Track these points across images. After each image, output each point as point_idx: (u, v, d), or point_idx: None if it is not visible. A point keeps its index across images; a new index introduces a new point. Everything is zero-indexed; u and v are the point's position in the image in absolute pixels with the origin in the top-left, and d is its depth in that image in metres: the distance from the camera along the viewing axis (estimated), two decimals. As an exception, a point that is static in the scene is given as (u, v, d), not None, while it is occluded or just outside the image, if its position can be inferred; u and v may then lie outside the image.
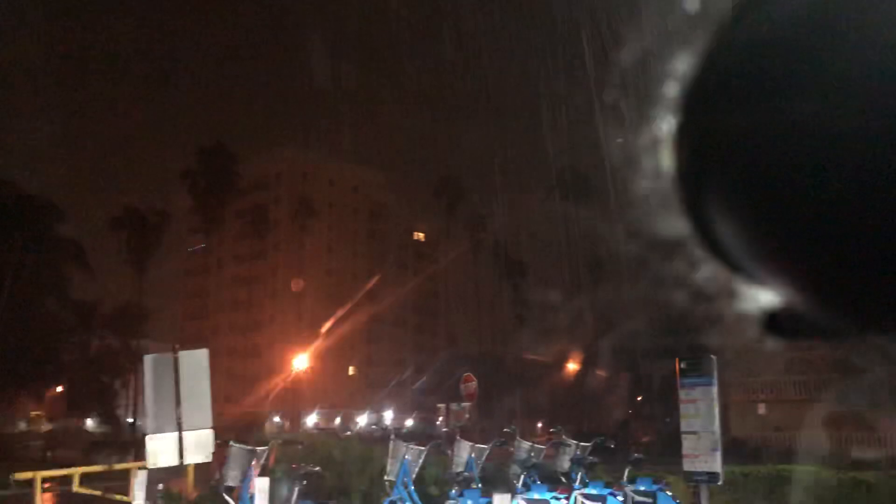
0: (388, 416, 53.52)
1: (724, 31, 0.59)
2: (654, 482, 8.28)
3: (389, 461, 8.00)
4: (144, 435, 7.67)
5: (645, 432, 30.66)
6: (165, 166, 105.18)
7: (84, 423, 42.31)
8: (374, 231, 69.60)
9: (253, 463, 7.31)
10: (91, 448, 28.49)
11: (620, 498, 7.94)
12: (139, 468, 8.18)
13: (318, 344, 43.78)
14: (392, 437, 8.35)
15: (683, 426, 7.91)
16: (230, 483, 7.33)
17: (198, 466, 8.52)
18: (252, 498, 7.16)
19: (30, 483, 8.78)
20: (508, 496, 7.33)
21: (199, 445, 7.32)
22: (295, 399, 49.14)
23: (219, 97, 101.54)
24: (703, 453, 7.71)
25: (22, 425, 42.96)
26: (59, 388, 39.92)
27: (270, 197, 63.58)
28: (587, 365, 42.73)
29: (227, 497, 7.25)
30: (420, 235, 72.73)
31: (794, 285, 0.61)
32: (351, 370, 62.97)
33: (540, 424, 38.14)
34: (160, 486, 9.22)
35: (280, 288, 61.23)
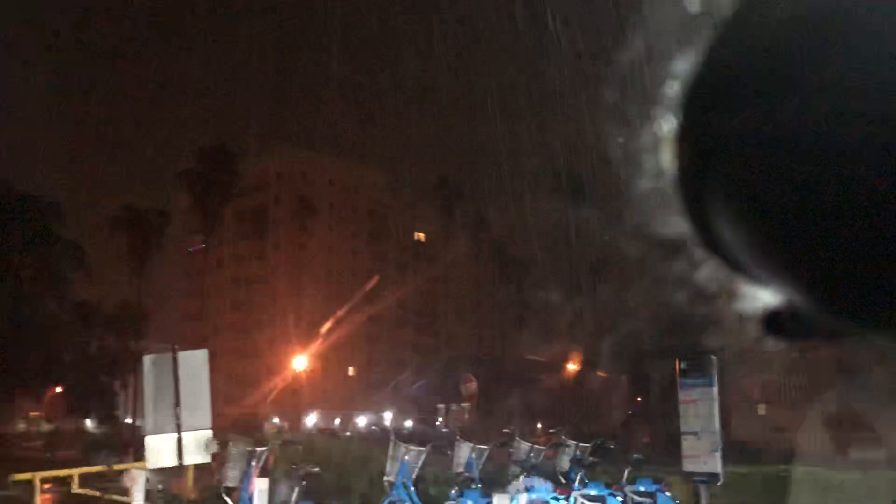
0: (388, 416, 53.48)
1: (724, 32, 0.59)
2: (654, 483, 8.28)
3: (389, 462, 8.00)
4: (144, 435, 7.67)
5: (645, 433, 30.66)
6: (165, 166, 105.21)
7: (83, 424, 42.31)
8: (374, 231, 69.56)
9: (252, 463, 7.31)
10: (90, 448, 28.49)
11: (620, 498, 7.94)
12: (138, 468, 8.18)
13: (317, 344, 43.77)
14: (392, 437, 8.35)
15: (683, 427, 7.91)
16: (230, 484, 7.33)
17: (197, 467, 8.52)
18: (251, 498, 7.15)
19: (29, 484, 8.77)
20: (508, 497, 7.34)
21: (198, 446, 7.31)
22: (294, 400, 49.13)
23: (219, 97, 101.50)
24: (703, 454, 7.71)
25: (21, 426, 42.96)
26: (59, 389, 39.90)
27: (270, 197, 63.56)
28: (587, 365, 42.73)
29: (226, 498, 7.25)
30: (420, 235, 72.71)
31: (795, 285, 0.61)
32: (351, 371, 62.96)
33: (540, 425, 38.16)
34: (160, 487, 9.22)
35: (280, 288, 61.21)
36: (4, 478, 10.48)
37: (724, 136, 0.59)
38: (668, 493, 8.09)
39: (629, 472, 8.48)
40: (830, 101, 0.52)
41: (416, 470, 8.15)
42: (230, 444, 7.58)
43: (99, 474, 9.90)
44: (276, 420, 47.59)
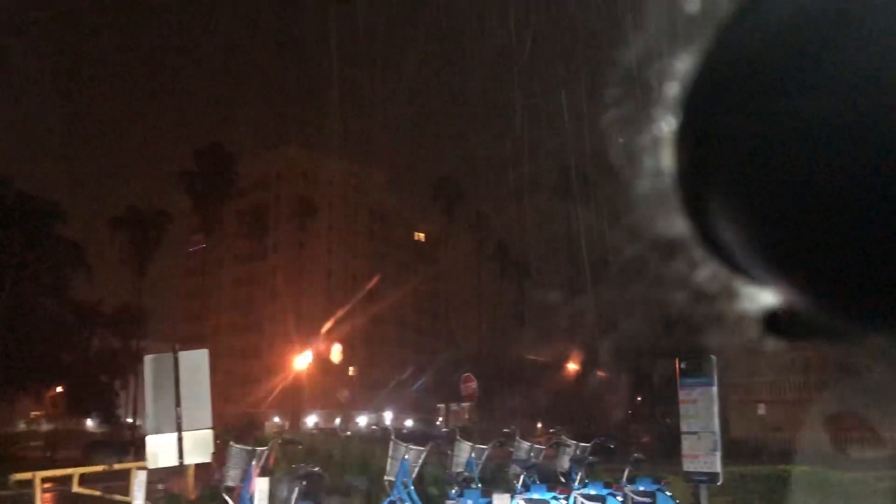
0: (388, 416, 53.48)
1: (724, 31, 0.59)
2: (654, 482, 8.28)
3: (389, 461, 8.00)
4: (144, 435, 7.67)
5: (645, 432, 30.66)
6: (166, 166, 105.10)
7: (84, 424, 42.31)
8: (374, 231, 69.52)
9: (253, 463, 7.31)
10: (91, 448, 28.49)
11: (620, 498, 7.94)
12: (139, 468, 8.18)
13: (318, 344, 43.75)
14: (392, 437, 8.35)
15: (683, 426, 7.91)
16: (230, 483, 7.33)
17: (198, 466, 8.52)
18: (252, 498, 7.15)
19: (29, 483, 8.78)
20: (508, 496, 7.33)
21: (198, 446, 7.31)
22: (295, 399, 49.10)
23: (220, 97, 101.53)
24: (702, 453, 7.71)
25: (22, 425, 42.97)
26: (59, 389, 39.88)
27: (270, 197, 63.53)
28: (587, 365, 42.70)
29: (226, 497, 7.25)
30: (420, 235, 72.67)
31: (795, 285, 0.61)
32: (351, 370, 62.94)
33: (540, 424, 38.17)
34: (160, 486, 9.22)
35: (280, 288, 61.17)
36: (5, 477, 10.48)
37: (724, 136, 0.59)
38: (667, 493, 8.09)
39: (629, 472, 8.48)
40: (830, 99, 0.52)
41: (416, 469, 8.15)
42: (230, 443, 7.58)
43: (99, 474, 9.91)
44: (276, 419, 47.58)
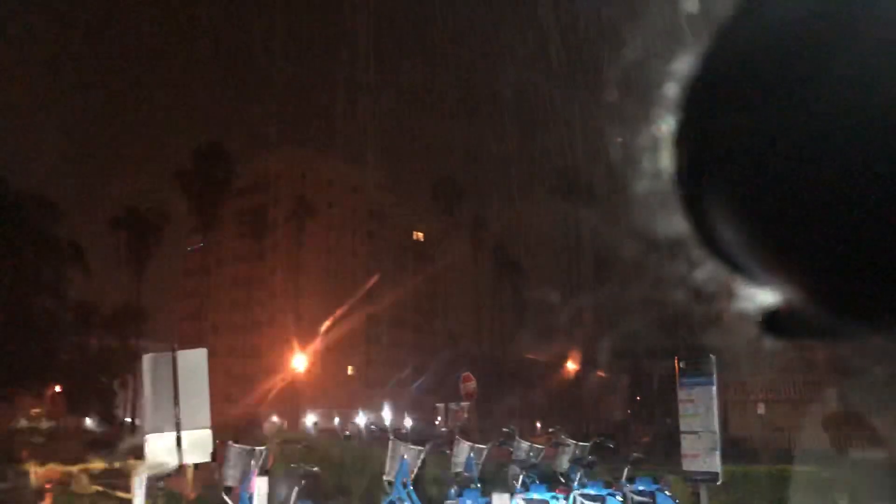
0: (387, 416, 53.45)
1: (724, 32, 0.59)
2: (654, 482, 8.27)
3: (388, 461, 7.99)
4: (144, 434, 7.66)
5: (644, 432, 30.65)
6: (165, 166, 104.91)
7: (84, 422, 42.29)
8: (373, 231, 69.49)
9: (252, 463, 7.31)
10: (90, 446, 28.46)
11: (619, 498, 7.94)
12: (138, 467, 8.18)
13: (317, 344, 43.74)
14: (391, 437, 8.35)
15: (683, 426, 7.92)
16: (229, 483, 7.33)
17: (197, 466, 8.51)
18: (251, 498, 7.15)
19: (29, 481, 8.79)
20: (507, 496, 7.33)
21: (197, 445, 7.30)
22: (294, 399, 49.09)
23: (219, 97, 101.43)
24: (702, 453, 7.72)
25: (23, 423, 42.89)
26: (58, 388, 39.85)
27: (270, 197, 63.48)
28: (587, 365, 42.71)
29: (225, 497, 7.25)
30: (419, 235, 72.61)
31: (794, 285, 0.61)
32: (350, 370, 62.92)
33: (539, 424, 38.16)
34: (160, 484, 9.21)
35: (279, 288, 61.15)
36: (5, 473, 10.50)
37: (723, 136, 0.59)
38: (667, 493, 8.09)
39: (628, 472, 8.47)
40: (830, 99, 0.51)
41: (416, 469, 8.14)
42: (229, 443, 7.58)
43: (99, 472, 9.92)
44: (275, 419, 47.56)
